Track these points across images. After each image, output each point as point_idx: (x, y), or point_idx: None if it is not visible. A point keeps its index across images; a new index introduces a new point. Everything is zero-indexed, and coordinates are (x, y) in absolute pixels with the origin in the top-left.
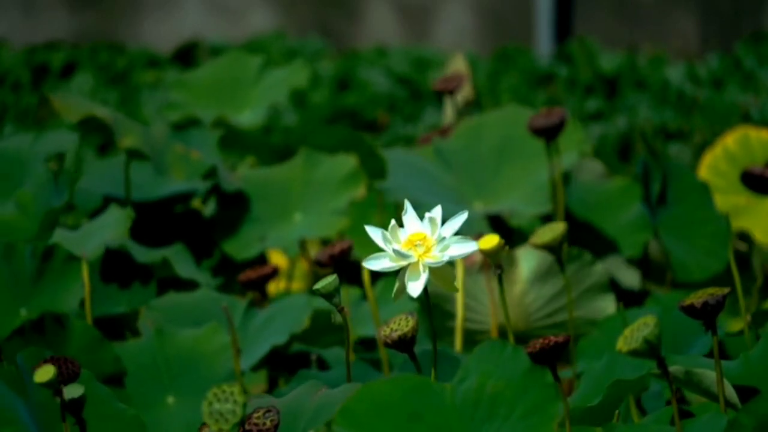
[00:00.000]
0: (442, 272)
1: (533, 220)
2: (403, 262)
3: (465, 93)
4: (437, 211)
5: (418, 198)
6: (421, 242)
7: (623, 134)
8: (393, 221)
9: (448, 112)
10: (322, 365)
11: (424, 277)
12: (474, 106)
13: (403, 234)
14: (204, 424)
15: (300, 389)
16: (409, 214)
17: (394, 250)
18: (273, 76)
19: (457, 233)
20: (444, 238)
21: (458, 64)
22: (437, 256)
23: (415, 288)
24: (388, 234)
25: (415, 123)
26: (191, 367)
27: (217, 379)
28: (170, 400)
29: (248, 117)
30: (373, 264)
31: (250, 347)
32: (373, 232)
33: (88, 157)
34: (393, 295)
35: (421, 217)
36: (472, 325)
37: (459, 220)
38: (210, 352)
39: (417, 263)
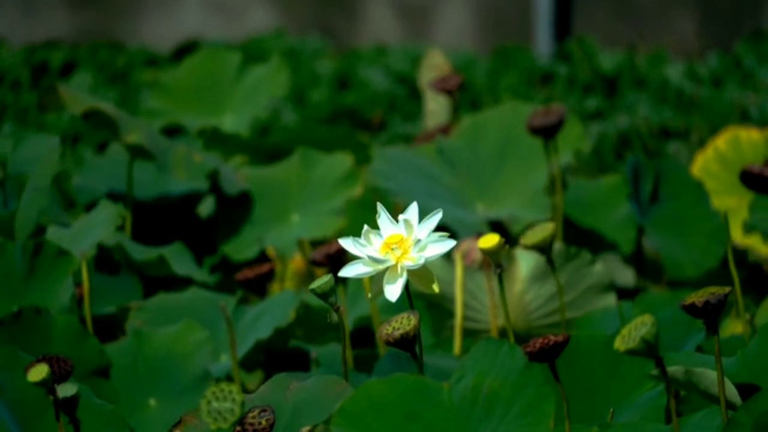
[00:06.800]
0: (421, 273)
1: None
2: (381, 267)
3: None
4: (413, 212)
5: (419, 201)
6: (397, 245)
7: (622, 133)
8: (366, 226)
9: (441, 108)
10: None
11: (401, 280)
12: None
13: (379, 238)
14: (177, 424)
15: (270, 384)
16: (383, 218)
17: (369, 256)
18: (252, 75)
19: (454, 234)
20: (420, 239)
21: (437, 59)
22: (415, 257)
23: (392, 292)
24: (362, 239)
25: (414, 122)
26: (169, 368)
27: (196, 378)
28: (152, 402)
29: (230, 121)
30: (349, 271)
31: (238, 344)
32: (345, 242)
33: (88, 155)
34: (369, 296)
35: (422, 219)
36: (472, 324)
37: (434, 220)
38: (186, 351)
39: (395, 266)
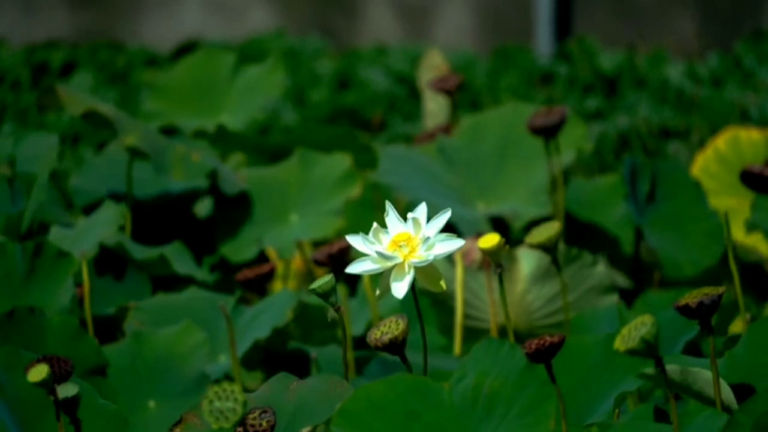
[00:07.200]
0: (428, 271)
1: (534, 220)
2: (388, 264)
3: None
4: (421, 211)
5: (421, 197)
6: (405, 243)
7: (622, 133)
8: (375, 224)
9: (443, 109)
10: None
11: (408, 277)
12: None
13: (387, 235)
14: (178, 422)
15: (271, 384)
16: (391, 216)
17: (378, 253)
18: (247, 76)
19: (455, 233)
20: (428, 237)
21: (436, 59)
22: (422, 255)
23: (399, 289)
24: (370, 236)
25: (414, 122)
26: (169, 369)
27: (195, 380)
28: (151, 404)
29: (226, 122)
30: (356, 268)
31: (237, 344)
32: (353, 239)
33: (88, 155)
34: (377, 296)
35: (429, 218)
36: (473, 323)
37: (442, 218)
38: (185, 353)
39: (402, 264)
